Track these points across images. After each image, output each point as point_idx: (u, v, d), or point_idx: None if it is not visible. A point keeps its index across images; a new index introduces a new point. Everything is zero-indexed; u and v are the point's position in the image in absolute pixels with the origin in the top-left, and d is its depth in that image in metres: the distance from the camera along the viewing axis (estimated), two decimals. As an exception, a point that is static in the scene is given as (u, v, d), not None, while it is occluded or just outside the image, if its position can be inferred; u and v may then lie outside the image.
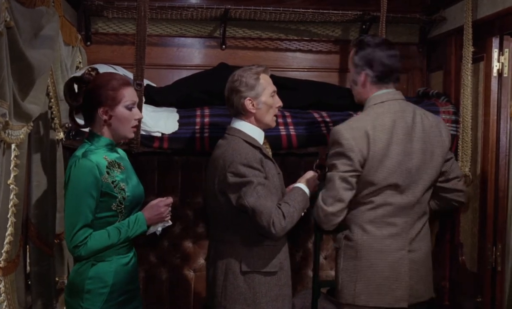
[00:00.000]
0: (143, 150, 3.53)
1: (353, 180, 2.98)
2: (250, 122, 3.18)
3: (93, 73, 2.86)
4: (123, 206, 2.79)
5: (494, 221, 3.69)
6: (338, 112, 3.94)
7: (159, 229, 2.96)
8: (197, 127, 3.66)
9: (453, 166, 3.23)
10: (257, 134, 3.19)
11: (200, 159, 4.15)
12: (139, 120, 3.00)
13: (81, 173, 2.68)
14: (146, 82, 3.63)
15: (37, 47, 2.69)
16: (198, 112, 3.76)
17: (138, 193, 2.92)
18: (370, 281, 3.01)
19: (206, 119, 3.71)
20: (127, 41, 4.30)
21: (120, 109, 2.79)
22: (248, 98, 3.13)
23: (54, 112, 3.28)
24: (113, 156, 2.84)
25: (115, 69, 3.80)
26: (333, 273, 4.44)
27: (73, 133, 3.47)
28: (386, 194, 3.00)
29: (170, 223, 2.99)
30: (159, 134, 3.57)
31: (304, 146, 3.77)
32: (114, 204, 2.76)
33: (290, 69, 4.51)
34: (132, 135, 2.92)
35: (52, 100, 3.24)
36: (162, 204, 2.90)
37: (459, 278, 4.03)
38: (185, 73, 4.27)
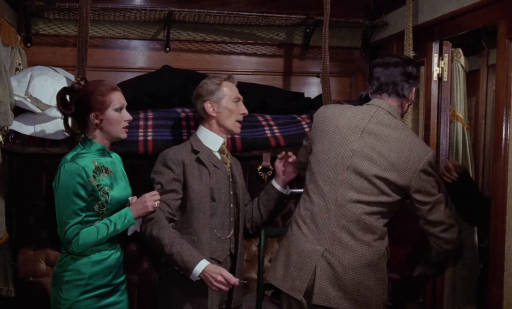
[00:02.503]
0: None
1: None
2: (209, 128, 3.33)
3: (82, 82, 3.11)
4: (104, 208, 2.95)
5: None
6: (282, 116, 3.97)
7: (131, 231, 3.11)
8: (141, 130, 3.63)
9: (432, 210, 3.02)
10: (211, 140, 3.33)
11: (144, 162, 4.10)
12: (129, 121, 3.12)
13: (68, 175, 2.87)
14: (88, 84, 3.58)
15: (-27, 48, 2.63)
16: (142, 115, 3.73)
17: (124, 196, 3.07)
18: (280, 262, 3.05)
19: (150, 122, 3.69)
20: (69, 43, 4.22)
21: (110, 112, 2.98)
22: (208, 101, 3.28)
23: (-8, 115, 3.21)
24: (102, 161, 3.02)
25: (56, 71, 3.74)
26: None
27: (12, 136, 3.40)
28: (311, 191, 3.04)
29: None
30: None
31: (248, 149, 3.77)
32: (96, 206, 2.93)
33: (235, 72, 4.48)
34: (124, 135, 3.08)
35: (-9, 102, 3.17)
36: (147, 196, 3.06)
37: (401, 278, 4.09)
38: (128, 76, 4.23)
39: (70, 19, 4.16)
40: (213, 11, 4.11)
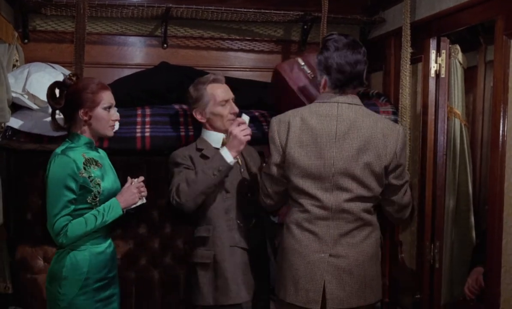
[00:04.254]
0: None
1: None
2: (207, 128, 3.45)
3: (73, 78, 3.10)
4: (97, 199, 3.01)
5: (432, 219, 3.77)
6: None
7: (132, 207, 3.13)
8: (138, 126, 3.62)
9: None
10: (214, 138, 3.42)
11: (141, 159, 4.09)
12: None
13: (59, 167, 2.92)
14: (85, 81, 3.57)
15: (-30, 45, 2.63)
16: (139, 112, 3.72)
17: (115, 188, 3.13)
18: (287, 278, 3.04)
19: (147, 119, 3.68)
20: (66, 39, 4.21)
21: (99, 111, 3.04)
22: (195, 110, 3.39)
23: (-11, 111, 3.21)
24: (91, 154, 3.07)
25: (53, 67, 3.73)
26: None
27: (9, 133, 3.39)
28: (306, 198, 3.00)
29: (144, 201, 3.17)
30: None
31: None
32: (89, 197, 2.98)
33: (233, 69, 4.50)
34: (111, 133, 3.14)
35: (-12, 99, 3.17)
36: (133, 186, 3.12)
37: (399, 275, 4.10)
38: (126, 72, 4.22)
39: (68, 16, 4.14)
40: (210, 7, 4.10)
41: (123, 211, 3.05)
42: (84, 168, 2.96)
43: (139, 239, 4.20)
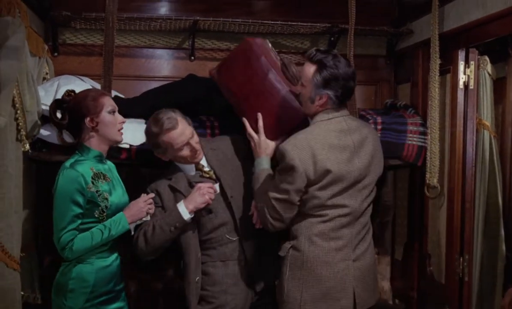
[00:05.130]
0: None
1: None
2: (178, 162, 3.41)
3: (72, 94, 3.14)
4: (105, 214, 3.03)
5: (461, 232, 3.73)
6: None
7: (138, 223, 3.16)
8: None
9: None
10: (188, 168, 3.39)
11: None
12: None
13: (67, 181, 2.94)
14: (114, 93, 3.61)
15: (2, 58, 2.67)
16: (167, 124, 3.72)
17: (123, 202, 3.15)
18: (315, 290, 3.03)
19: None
20: (95, 52, 4.25)
21: (104, 115, 3.06)
22: (160, 154, 3.37)
23: (20, 124, 3.23)
24: (100, 167, 3.09)
25: (82, 80, 3.77)
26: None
27: (39, 145, 3.43)
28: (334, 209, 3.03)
29: (148, 218, 3.18)
30: (127, 146, 3.55)
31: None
32: (97, 212, 3.00)
33: (260, 81, 4.51)
34: (121, 138, 3.17)
35: (19, 112, 3.19)
36: (141, 200, 3.14)
37: (427, 288, 4.06)
38: (153, 85, 4.22)
39: (97, 29, 4.19)
40: (237, 20, 4.11)
41: (129, 226, 3.09)
42: (92, 182, 2.98)
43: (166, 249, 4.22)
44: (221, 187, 3.35)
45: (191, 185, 3.30)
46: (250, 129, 3.35)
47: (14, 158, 3.19)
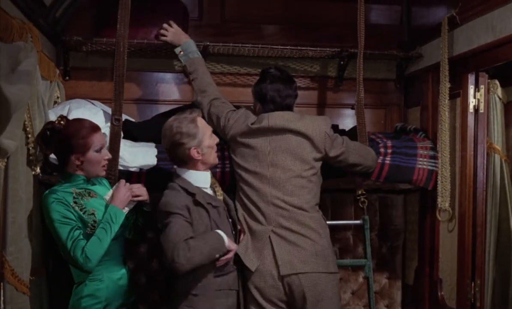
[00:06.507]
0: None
1: None
2: (194, 168, 3.25)
3: (62, 122, 3.15)
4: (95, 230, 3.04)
5: (472, 257, 3.70)
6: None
7: (126, 208, 3.16)
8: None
9: None
10: (202, 178, 3.27)
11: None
12: (109, 159, 3.26)
13: (51, 205, 2.99)
14: (124, 117, 3.62)
15: (14, 82, 2.67)
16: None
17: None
18: None
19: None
20: (106, 76, 4.27)
21: (91, 154, 3.12)
22: (192, 147, 3.18)
23: (31, 148, 3.25)
24: (84, 186, 3.16)
25: (93, 104, 3.79)
26: None
27: (50, 168, 3.44)
28: None
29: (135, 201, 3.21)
30: (137, 170, 3.56)
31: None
32: (88, 229, 3.04)
33: (270, 105, 4.51)
34: (103, 173, 3.23)
35: (29, 135, 3.21)
36: (121, 186, 3.15)
37: (439, 313, 4.03)
38: (164, 108, 4.26)
39: (107, 53, 4.22)
40: (247, 45, 4.13)
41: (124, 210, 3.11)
42: (75, 202, 3.04)
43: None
44: (228, 212, 3.36)
45: (210, 203, 3.22)
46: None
47: (25, 182, 3.20)
